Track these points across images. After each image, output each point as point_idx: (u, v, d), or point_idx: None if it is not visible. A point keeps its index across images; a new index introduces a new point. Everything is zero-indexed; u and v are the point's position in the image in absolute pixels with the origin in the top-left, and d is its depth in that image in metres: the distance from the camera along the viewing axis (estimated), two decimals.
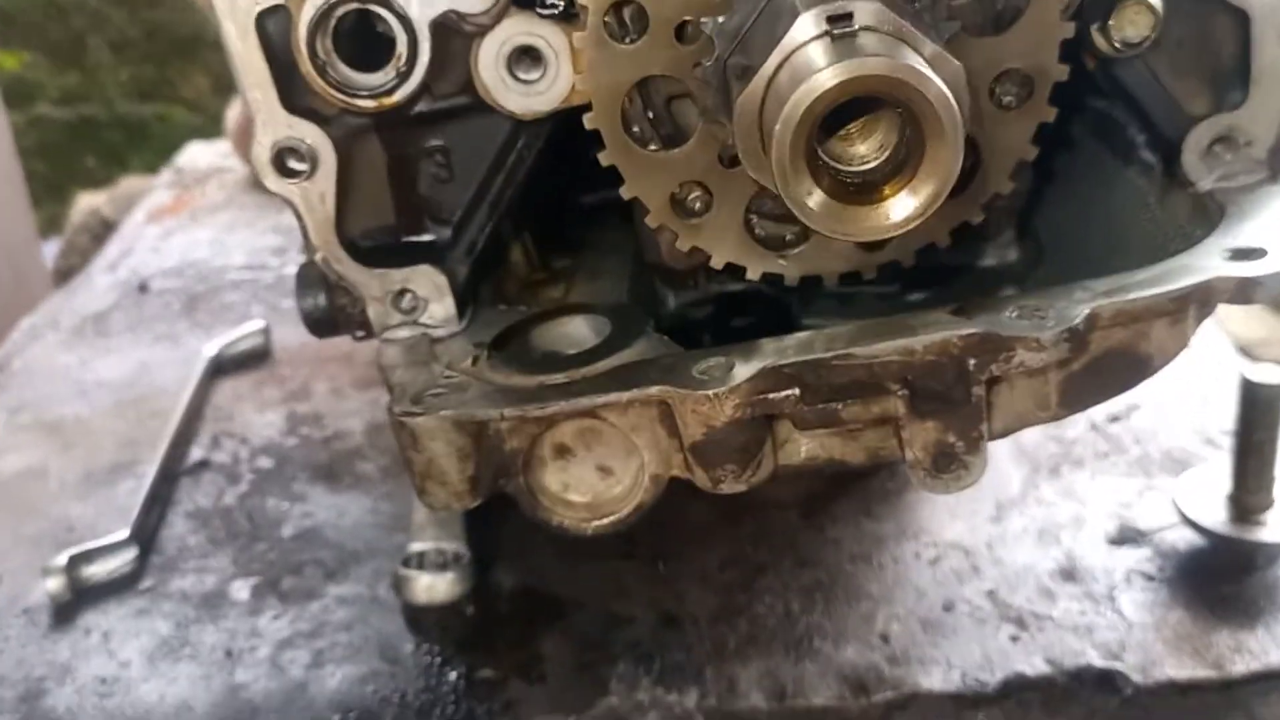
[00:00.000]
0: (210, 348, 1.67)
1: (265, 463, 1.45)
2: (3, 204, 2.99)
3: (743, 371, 0.80)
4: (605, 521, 0.90)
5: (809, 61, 0.63)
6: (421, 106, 0.91)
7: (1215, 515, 1.23)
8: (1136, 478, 1.39)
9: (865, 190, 0.64)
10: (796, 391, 0.79)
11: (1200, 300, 0.80)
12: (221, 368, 1.66)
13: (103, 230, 4.06)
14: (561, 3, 0.82)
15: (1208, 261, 0.81)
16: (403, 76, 0.88)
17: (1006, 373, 0.78)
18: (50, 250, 4.38)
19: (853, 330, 0.82)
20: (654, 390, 0.81)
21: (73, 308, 1.93)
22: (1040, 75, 0.80)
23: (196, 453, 1.48)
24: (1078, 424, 1.49)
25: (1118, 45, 0.84)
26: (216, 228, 2.18)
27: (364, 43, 0.89)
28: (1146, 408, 1.51)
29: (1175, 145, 0.91)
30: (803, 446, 0.86)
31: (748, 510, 1.33)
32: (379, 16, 0.87)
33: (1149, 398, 1.53)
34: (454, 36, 0.87)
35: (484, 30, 0.87)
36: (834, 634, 1.17)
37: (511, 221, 1.05)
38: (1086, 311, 0.78)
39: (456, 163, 0.94)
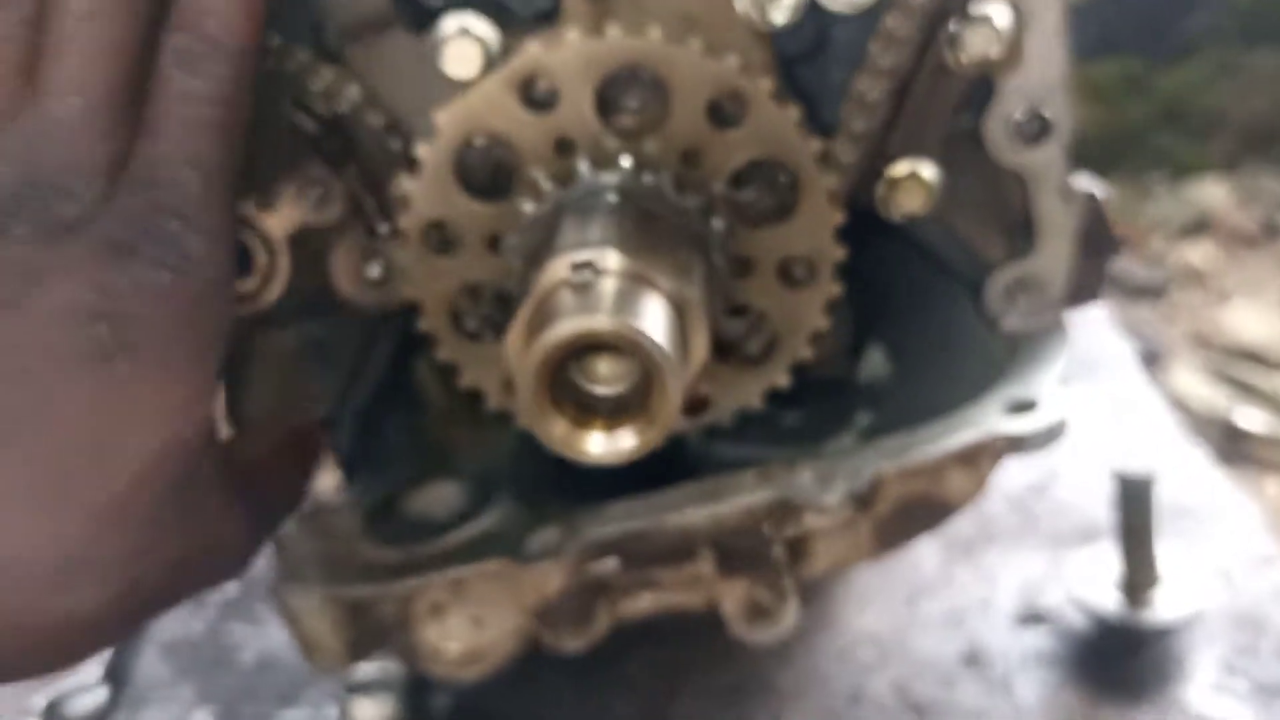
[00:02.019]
0: None
1: (231, 590, 1.56)
2: None
3: (569, 545, 0.89)
4: (480, 668, 0.99)
5: (552, 309, 0.72)
6: (290, 306, 1.01)
7: (1105, 597, 1.30)
8: (1046, 553, 1.46)
9: (605, 415, 0.72)
10: (615, 562, 0.88)
11: (983, 451, 0.88)
12: None
13: None
14: (385, 227, 0.92)
15: (986, 415, 0.89)
16: (266, 283, 0.98)
17: (799, 534, 0.87)
18: None
19: (671, 497, 0.91)
20: (492, 566, 0.90)
21: None
22: (820, 258, 0.88)
23: None
24: (995, 499, 1.56)
25: (900, 217, 0.91)
26: None
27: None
28: (1065, 477, 1.58)
29: (978, 289, 0.98)
30: (645, 598, 0.95)
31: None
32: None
33: (1068, 467, 1.60)
34: (309, 245, 0.97)
35: (334, 241, 0.97)
36: None
37: (398, 378, 1.14)
38: (869, 476, 0.86)
39: (330, 350, 1.04)
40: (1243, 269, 5.18)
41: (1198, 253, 5.06)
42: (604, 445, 0.71)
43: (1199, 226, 5.29)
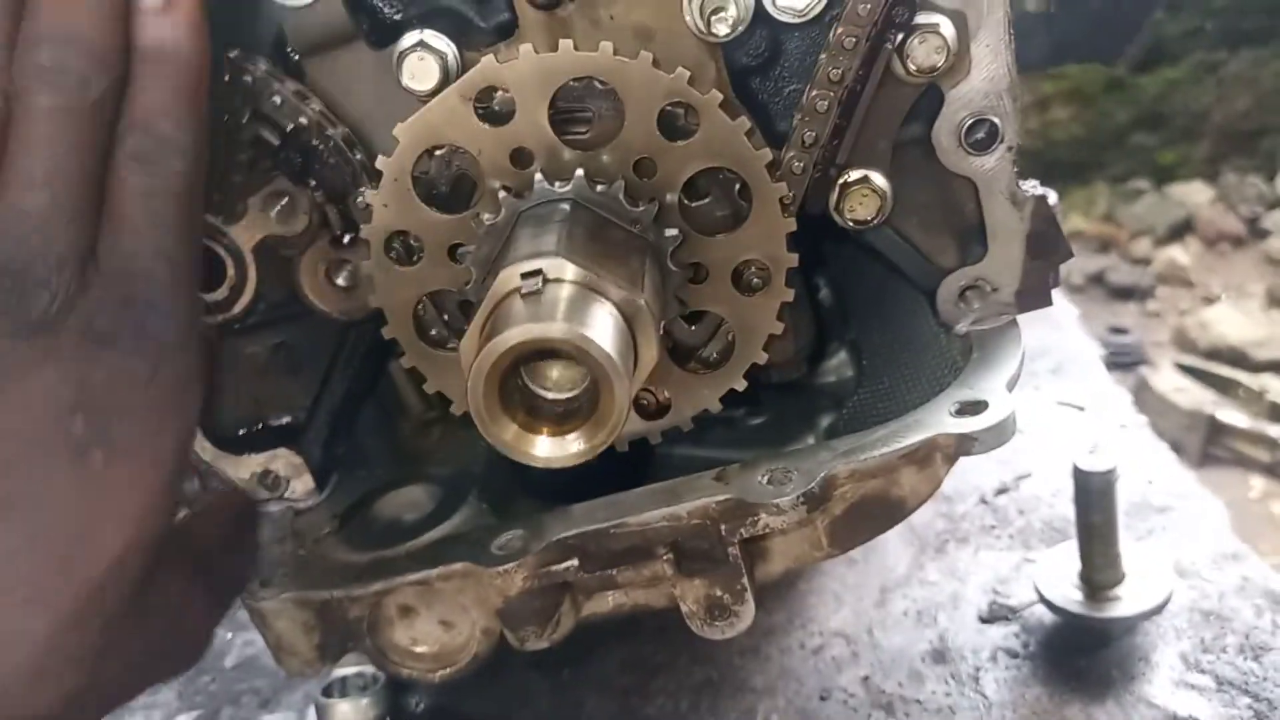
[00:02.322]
0: None
1: None
2: None
3: (531, 546, 0.91)
4: (449, 670, 1.01)
5: (503, 316, 0.74)
6: (260, 314, 1.03)
7: (1070, 593, 1.32)
8: (1016, 551, 1.48)
9: (555, 420, 0.75)
10: (575, 562, 0.90)
11: (935, 450, 0.90)
12: None
13: None
14: (348, 237, 0.94)
15: (936, 416, 0.91)
16: (236, 294, 1.01)
17: (755, 534, 0.89)
18: None
19: (631, 498, 0.93)
20: (458, 567, 0.92)
21: None
22: (774, 264, 0.90)
23: None
24: (967, 498, 1.58)
25: (851, 224, 0.94)
26: None
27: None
28: (1035, 477, 1.60)
29: (931, 294, 1.01)
30: (610, 597, 0.97)
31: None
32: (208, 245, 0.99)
33: (1039, 466, 1.62)
34: (276, 255, 0.99)
35: (301, 251, 0.99)
36: None
37: (367, 383, 1.16)
38: (821, 475, 0.88)
39: (300, 356, 1.06)
40: (1227, 269, 5.23)
41: (1181, 253, 5.11)
42: (551, 449, 0.73)
43: (1182, 228, 5.35)
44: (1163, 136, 5.16)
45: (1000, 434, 0.88)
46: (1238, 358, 4.08)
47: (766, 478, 0.90)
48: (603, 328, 0.73)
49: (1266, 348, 4.04)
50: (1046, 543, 1.48)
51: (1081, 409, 1.74)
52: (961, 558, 1.48)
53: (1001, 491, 1.58)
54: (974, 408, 0.90)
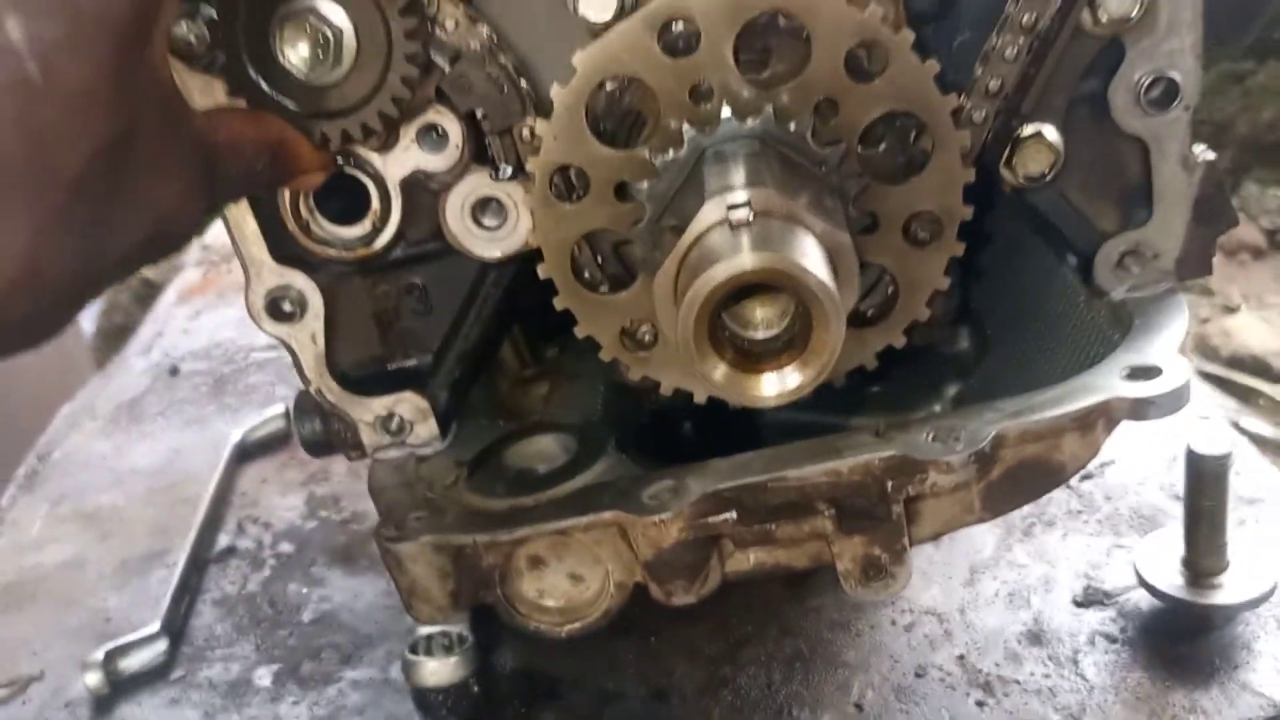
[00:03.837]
0: (235, 433, 1.77)
1: (287, 547, 1.55)
2: None
3: (686, 496, 0.88)
4: (578, 625, 0.99)
5: (709, 249, 0.72)
6: (398, 252, 1.00)
7: (1172, 579, 1.30)
8: (1105, 537, 1.46)
9: (764, 359, 0.72)
10: (734, 514, 0.88)
11: (1102, 416, 0.88)
12: (246, 452, 1.77)
13: (144, 289, 4.23)
14: (511, 168, 0.91)
15: (1107, 380, 0.89)
16: (378, 229, 0.98)
17: (922, 492, 0.86)
18: (94, 305, 4.56)
19: (786, 452, 0.90)
20: (608, 515, 0.90)
21: (109, 394, 2.05)
22: (948, 216, 0.88)
23: (223, 539, 1.59)
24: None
25: (1023, 180, 0.91)
26: (242, 306, 2.28)
27: (344, 195, 0.99)
28: (1120, 463, 1.58)
29: (1089, 259, 0.98)
30: (751, 555, 0.94)
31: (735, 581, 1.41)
32: (353, 174, 0.97)
33: (1123, 453, 1.60)
34: (422, 191, 0.97)
35: (448, 186, 0.96)
36: (811, 703, 1.25)
37: (498, 330, 1.13)
38: (993, 434, 0.86)
39: (433, 298, 1.03)
40: (1246, 279, 5.23)
41: None
42: (775, 385, 0.71)
43: None
44: None
45: (1177, 399, 0.87)
46: (1260, 368, 4.06)
47: (931, 435, 0.88)
48: (816, 259, 0.71)
49: None
50: (1136, 530, 1.45)
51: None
52: (1050, 542, 1.46)
53: (1087, 477, 1.56)
54: (1147, 373, 0.88)
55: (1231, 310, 4.86)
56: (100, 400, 2.03)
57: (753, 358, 0.72)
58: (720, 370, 0.71)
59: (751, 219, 0.72)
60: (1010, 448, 0.88)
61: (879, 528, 0.88)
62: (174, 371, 2.08)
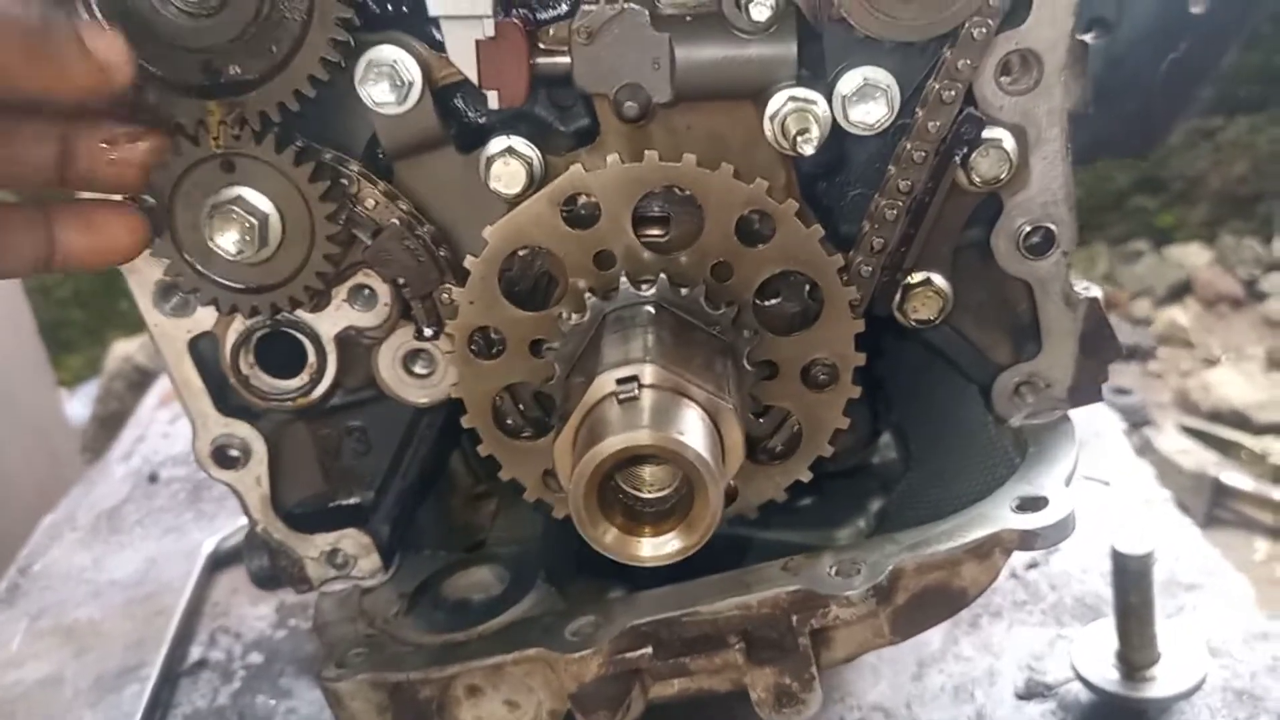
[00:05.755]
0: (209, 543, 1.82)
1: (256, 658, 1.60)
2: (26, 378, 3.19)
3: (606, 633, 0.94)
4: None
5: (600, 420, 0.77)
6: (336, 399, 1.06)
7: (1107, 672, 1.34)
8: (1049, 627, 1.50)
9: (652, 520, 0.78)
10: (649, 650, 0.93)
11: (996, 545, 0.93)
12: (220, 560, 1.82)
13: (138, 376, 4.30)
14: (433, 330, 0.97)
15: (998, 511, 0.94)
16: (316, 380, 1.04)
17: (826, 624, 0.92)
18: (90, 391, 4.64)
19: (699, 587, 0.96)
20: (532, 652, 0.95)
21: (90, 502, 2.10)
22: (842, 362, 0.94)
23: (195, 652, 1.63)
24: (1000, 574, 1.60)
25: (914, 323, 0.97)
26: None
27: (284, 347, 1.05)
28: (1065, 552, 1.63)
29: (987, 388, 1.04)
30: (675, 683, 0.99)
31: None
32: (291, 333, 1.03)
33: (1068, 542, 1.64)
34: (355, 345, 1.03)
35: (380, 340, 1.02)
36: None
37: (437, 463, 1.19)
38: (889, 568, 0.91)
39: (373, 438, 1.09)
40: (1225, 330, 5.28)
41: (1181, 314, 5.17)
42: (652, 549, 0.76)
43: (1182, 289, 5.41)
44: (1161, 199, 5.23)
45: (1062, 530, 0.92)
46: (1240, 420, 4.11)
47: (834, 569, 0.93)
48: (694, 431, 0.76)
49: (1268, 410, 4.08)
50: (1079, 619, 1.50)
51: (1107, 484, 1.77)
52: (995, 633, 1.50)
53: (1032, 566, 1.60)
54: (1035, 503, 0.94)
55: (1212, 363, 4.93)
56: (81, 510, 2.08)
57: (641, 519, 0.78)
58: (610, 535, 0.77)
59: (638, 393, 0.77)
60: (910, 578, 0.93)
61: (787, 658, 0.93)
62: (153, 478, 2.14)
